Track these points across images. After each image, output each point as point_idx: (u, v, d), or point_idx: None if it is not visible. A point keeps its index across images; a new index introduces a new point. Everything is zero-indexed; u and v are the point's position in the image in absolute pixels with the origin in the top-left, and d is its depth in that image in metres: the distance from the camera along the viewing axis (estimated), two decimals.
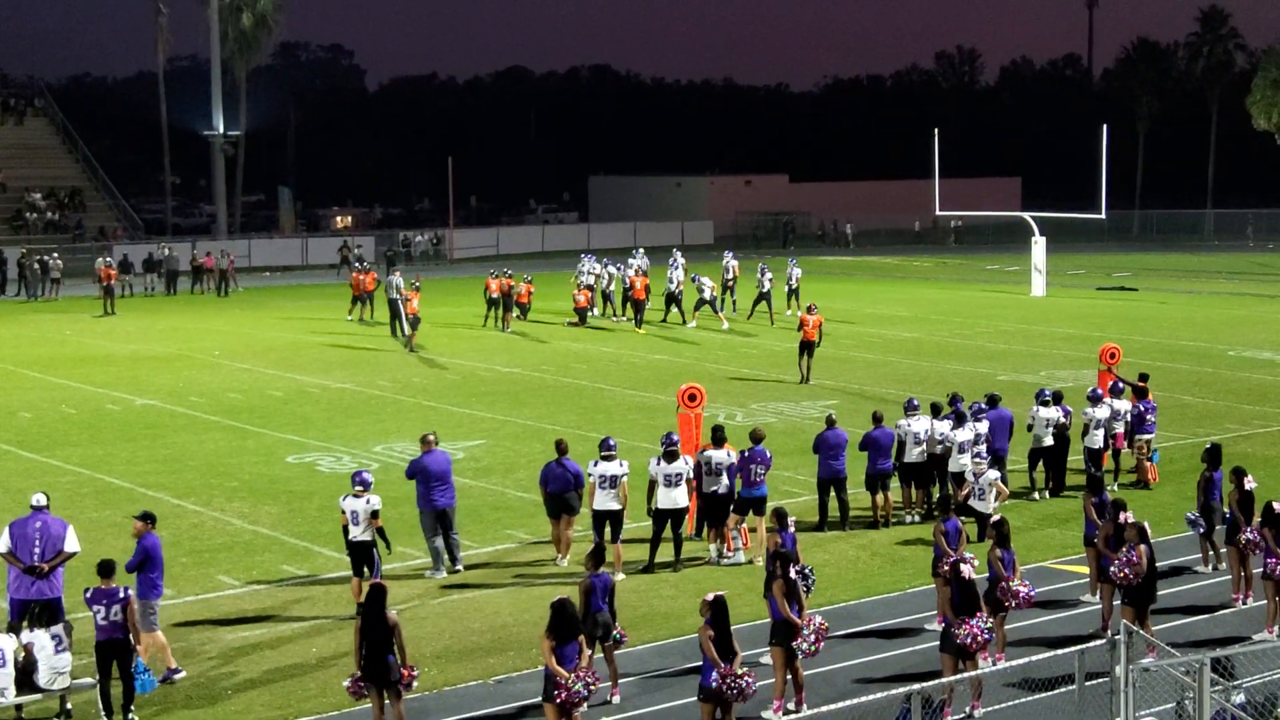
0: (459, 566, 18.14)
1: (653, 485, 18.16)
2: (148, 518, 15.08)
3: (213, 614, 16.70)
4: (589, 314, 43.92)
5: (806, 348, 32.18)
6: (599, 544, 15.03)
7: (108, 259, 52.44)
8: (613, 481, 17.91)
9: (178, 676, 14.69)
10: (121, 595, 13.57)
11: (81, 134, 74.68)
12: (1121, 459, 22.76)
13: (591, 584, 13.97)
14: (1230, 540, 16.77)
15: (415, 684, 13.17)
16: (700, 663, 12.72)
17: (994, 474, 19.19)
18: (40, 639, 13.42)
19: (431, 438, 18.43)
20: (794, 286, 45.45)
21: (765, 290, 44.02)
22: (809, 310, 32.77)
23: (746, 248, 76.59)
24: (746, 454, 18.75)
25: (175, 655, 14.99)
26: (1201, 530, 18.03)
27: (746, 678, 12.47)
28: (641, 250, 48.65)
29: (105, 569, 13.75)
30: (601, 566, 14.19)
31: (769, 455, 18.97)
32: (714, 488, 18.59)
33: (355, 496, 16.50)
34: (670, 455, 18.23)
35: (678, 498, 18.21)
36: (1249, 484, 16.69)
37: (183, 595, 17.30)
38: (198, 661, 15.22)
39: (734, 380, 32.64)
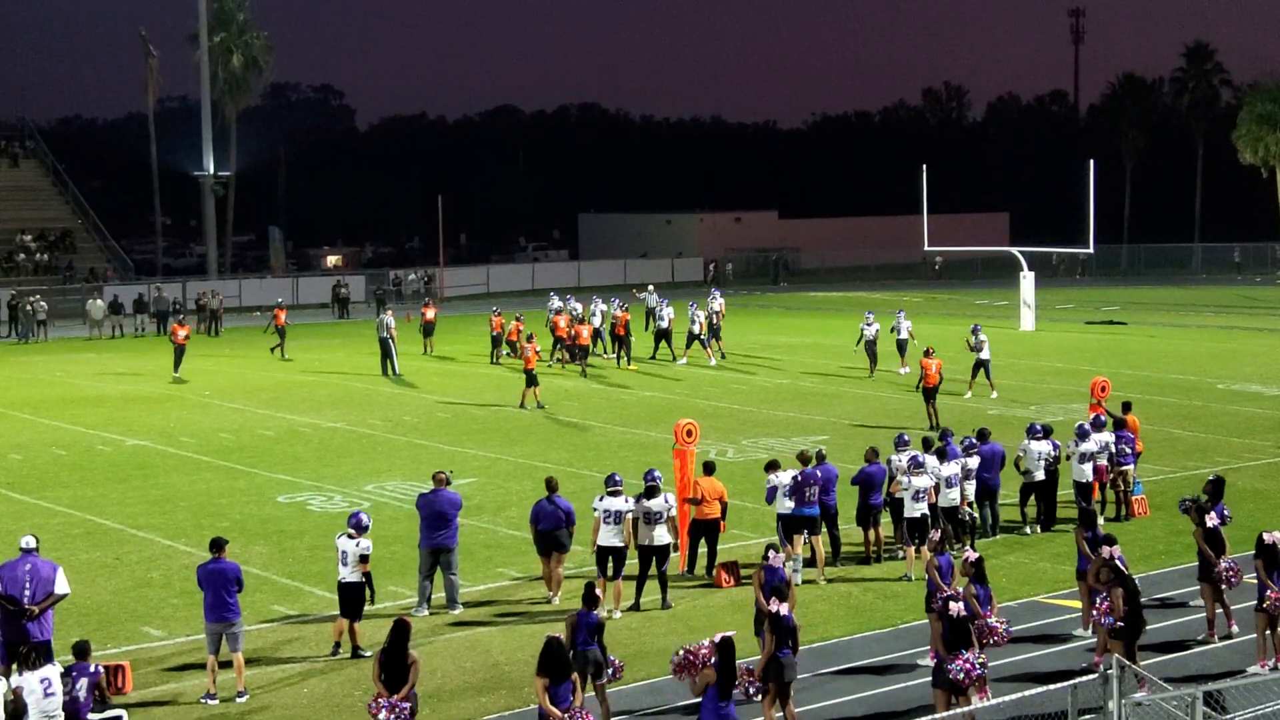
0: (458, 609, 18.10)
1: (635, 523, 18.10)
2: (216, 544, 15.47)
3: (204, 655, 16.58)
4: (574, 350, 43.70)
5: (929, 394, 31.46)
6: (591, 583, 14.93)
7: (280, 300, 50.59)
8: (617, 517, 17.89)
9: (241, 699, 15.07)
10: (91, 670, 13.12)
11: (72, 175, 74.67)
12: (1105, 492, 22.77)
13: (577, 620, 13.92)
14: (1203, 577, 16.71)
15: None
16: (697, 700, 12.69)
17: (925, 481, 19.52)
18: (29, 682, 13.32)
19: (443, 476, 18.46)
20: (904, 338, 41.00)
21: (695, 330, 42.77)
22: (927, 355, 32.02)
23: (733, 284, 76.65)
24: (800, 476, 19.45)
25: (164, 696, 14.92)
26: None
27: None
28: (652, 287, 48.12)
29: (80, 649, 13.34)
30: (595, 606, 14.11)
31: (819, 476, 19.56)
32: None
33: (349, 538, 16.51)
34: (651, 492, 18.23)
35: (659, 535, 18.17)
36: (1211, 521, 16.68)
37: (174, 636, 17.25)
38: (188, 703, 15.16)
39: (725, 416, 32.64)
